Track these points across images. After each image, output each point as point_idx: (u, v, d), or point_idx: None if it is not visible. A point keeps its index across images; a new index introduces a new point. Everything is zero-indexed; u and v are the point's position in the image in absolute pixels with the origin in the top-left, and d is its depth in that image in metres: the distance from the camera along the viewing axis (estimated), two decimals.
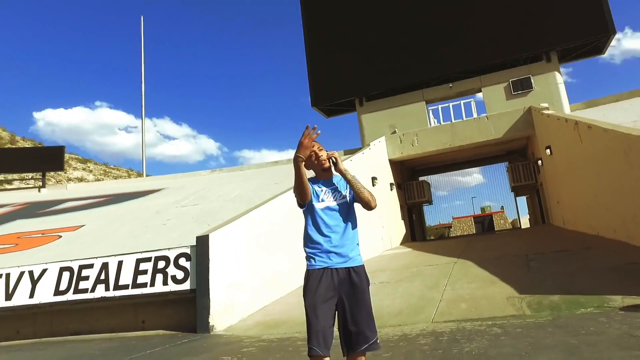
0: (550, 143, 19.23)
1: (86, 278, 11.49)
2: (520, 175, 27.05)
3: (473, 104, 25.65)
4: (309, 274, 4.03)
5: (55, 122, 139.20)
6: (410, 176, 30.42)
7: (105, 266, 11.52)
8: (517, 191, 32.36)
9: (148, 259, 11.35)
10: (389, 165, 25.21)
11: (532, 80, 23.97)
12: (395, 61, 26.48)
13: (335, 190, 4.20)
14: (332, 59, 28.49)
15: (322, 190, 4.17)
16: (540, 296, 8.73)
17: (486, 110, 24.67)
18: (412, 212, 30.19)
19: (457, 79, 25.73)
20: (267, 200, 13.67)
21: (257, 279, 11.86)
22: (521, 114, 23.06)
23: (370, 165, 21.83)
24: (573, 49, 24.96)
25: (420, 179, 30.97)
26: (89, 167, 54.82)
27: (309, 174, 4.11)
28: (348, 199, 4.18)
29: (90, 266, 11.61)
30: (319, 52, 29.32)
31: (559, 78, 24.03)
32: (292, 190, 4.25)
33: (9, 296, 11.73)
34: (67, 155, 40.18)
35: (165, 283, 10.98)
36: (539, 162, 22.73)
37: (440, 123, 25.81)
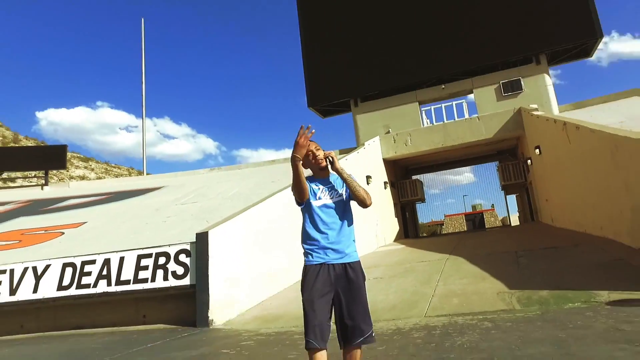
0: (539, 143, 19.29)
1: (88, 274, 11.50)
2: (510, 174, 27.09)
3: (465, 105, 25.70)
4: (307, 270, 4.06)
5: (57, 121, 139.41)
6: (404, 175, 30.47)
7: (107, 262, 11.53)
8: (507, 190, 32.40)
9: (149, 255, 11.36)
10: (383, 164, 25.26)
11: (522, 82, 24.02)
12: (390, 63, 26.52)
13: (332, 188, 4.22)
14: (328, 61, 28.50)
15: (319, 189, 4.20)
16: (529, 291, 8.76)
17: (477, 111, 24.72)
18: (405, 210, 30.24)
19: (450, 81, 25.76)
20: (265, 198, 13.68)
21: (255, 274, 11.88)
22: (511, 115, 23.14)
23: (365, 164, 21.86)
24: (562, 52, 25.04)
25: (414, 177, 31.03)
26: (90, 165, 54.84)
27: (307, 173, 4.15)
28: (344, 197, 4.21)
29: (93, 262, 11.61)
30: (315, 54, 29.33)
31: (548, 80, 24.09)
32: (288, 189, 4.30)
33: (13, 291, 11.72)
34: (69, 154, 40.16)
35: (165, 278, 11.00)
36: (529, 161, 22.80)
37: (433, 123, 25.82)
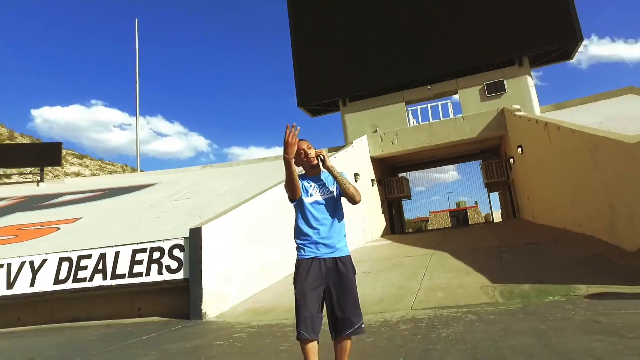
0: (521, 142, 19.40)
1: (84, 268, 11.49)
2: (493, 172, 27.18)
3: (450, 105, 25.81)
4: (299, 264, 4.13)
5: (52, 119, 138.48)
6: (390, 172, 30.50)
7: (102, 256, 11.53)
8: (490, 187, 32.53)
9: (144, 250, 11.39)
10: (370, 162, 25.31)
11: (505, 84, 24.13)
12: (377, 64, 26.55)
13: (323, 185, 4.29)
14: (318, 62, 28.49)
15: (310, 186, 4.26)
16: (511, 285, 8.84)
17: (462, 111, 24.79)
18: (392, 207, 30.28)
19: (435, 82, 25.81)
20: (256, 195, 13.70)
21: (247, 268, 11.91)
22: (495, 115, 23.25)
23: (353, 162, 21.91)
24: (543, 55, 25.15)
25: (400, 175, 31.06)
26: (85, 162, 54.55)
27: (299, 170, 4.20)
28: (335, 193, 4.27)
29: (89, 256, 11.60)
30: (305, 54, 29.31)
31: (530, 81, 24.20)
32: (279, 186, 4.36)
33: (10, 285, 11.70)
34: (64, 151, 39.91)
35: (160, 272, 11.02)
36: (511, 160, 22.90)
37: (419, 123, 25.87)
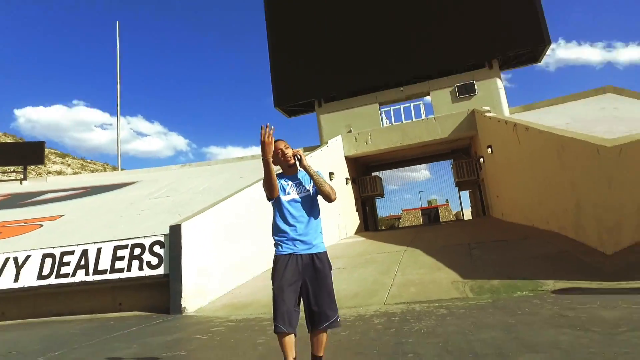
0: (491, 143, 19.53)
1: (67, 264, 11.43)
2: (464, 171, 27.37)
3: (422, 107, 25.80)
4: (277, 260, 4.19)
5: (35, 119, 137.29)
6: (364, 171, 30.56)
7: (85, 253, 11.49)
8: (460, 186, 32.76)
9: (125, 246, 11.38)
10: (344, 161, 25.35)
11: (475, 85, 24.24)
12: (352, 66, 26.54)
13: (299, 184, 4.35)
14: (294, 64, 28.41)
15: (288, 185, 4.33)
16: (481, 281, 8.91)
17: (434, 112, 24.83)
18: (366, 205, 30.38)
19: (408, 84, 25.82)
20: (234, 193, 13.68)
21: (225, 264, 11.91)
22: (465, 116, 23.41)
23: (328, 162, 21.90)
24: (513, 58, 25.31)
25: (373, 174, 31.09)
26: (67, 161, 53.90)
27: (276, 169, 4.22)
28: (311, 192, 4.34)
29: (71, 253, 11.54)
30: (281, 56, 29.19)
31: (500, 84, 24.34)
32: (257, 184, 4.41)
33: None
34: (46, 150, 39.51)
35: (140, 268, 11.03)
36: (481, 160, 23.03)
37: (392, 123, 25.91)
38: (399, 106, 26.22)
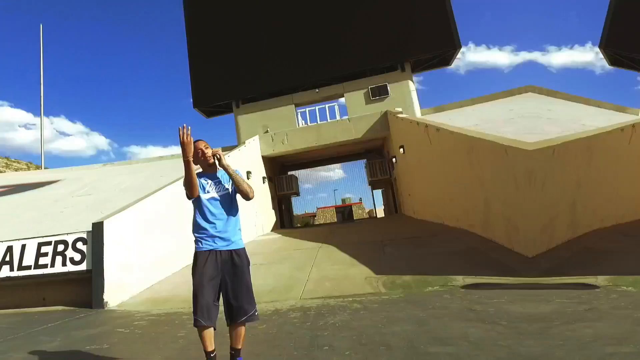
0: (403, 143, 19.83)
1: None
2: (377, 171, 27.81)
3: (337, 108, 26.07)
4: (197, 256, 4.23)
5: None
6: (281, 171, 30.56)
7: (9, 249, 11.44)
8: (374, 185, 33.21)
9: (49, 243, 11.34)
10: (262, 160, 25.31)
11: (388, 88, 24.62)
12: (268, 68, 26.52)
13: (219, 183, 4.41)
14: (212, 65, 28.13)
15: (207, 183, 4.38)
16: (393, 276, 9.06)
17: (348, 113, 25.09)
18: (282, 203, 30.42)
19: (323, 85, 26.01)
20: (155, 191, 13.58)
21: (146, 260, 11.87)
22: (378, 117, 23.76)
23: (246, 161, 21.81)
24: (424, 61, 25.88)
25: (289, 173, 31.15)
26: None
27: (196, 168, 4.20)
28: (230, 190, 4.41)
29: None
30: (200, 58, 28.87)
31: (412, 86, 24.84)
32: (177, 182, 4.39)
33: None
34: None
35: (64, 264, 11.02)
36: (394, 159, 23.34)
37: (307, 124, 26.02)
38: (314, 107, 26.40)
